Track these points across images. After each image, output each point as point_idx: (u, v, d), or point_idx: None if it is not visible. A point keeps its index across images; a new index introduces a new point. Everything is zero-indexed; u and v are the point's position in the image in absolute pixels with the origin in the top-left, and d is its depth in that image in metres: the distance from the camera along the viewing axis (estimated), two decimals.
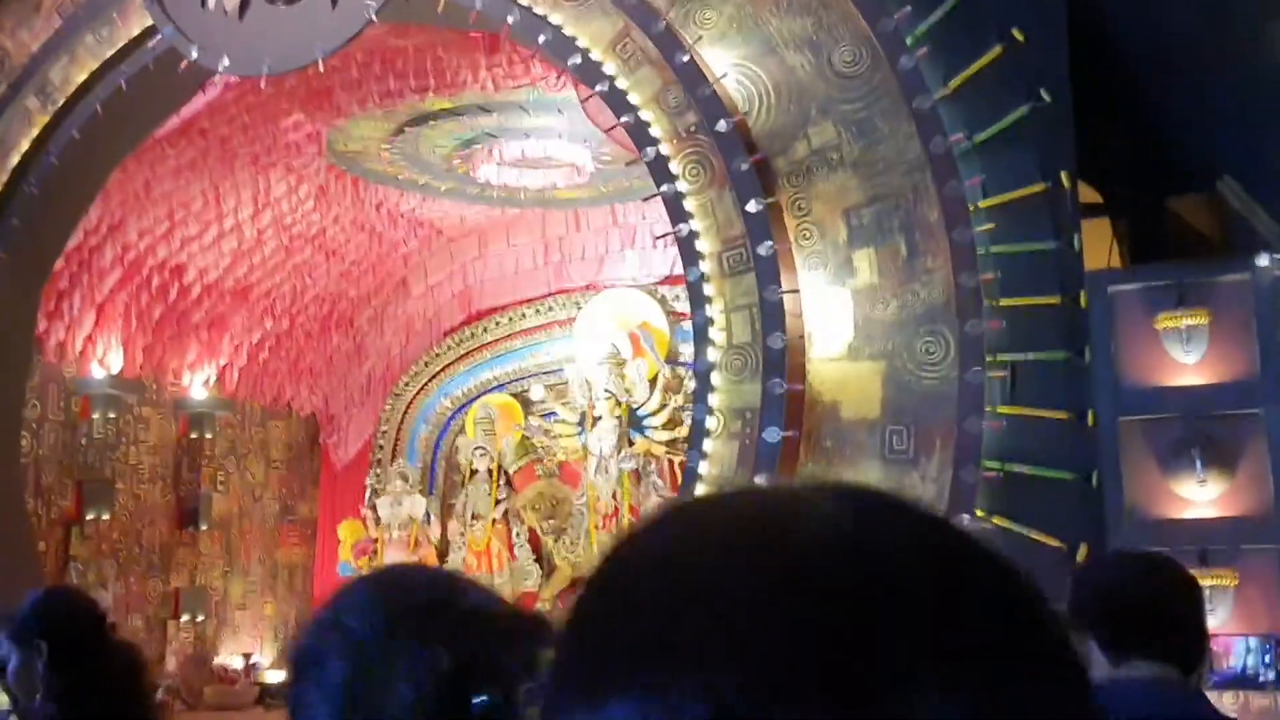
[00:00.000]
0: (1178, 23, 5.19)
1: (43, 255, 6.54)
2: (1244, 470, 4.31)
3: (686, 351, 9.41)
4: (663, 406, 9.11)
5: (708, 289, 4.90)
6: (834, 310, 4.85)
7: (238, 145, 7.35)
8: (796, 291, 4.78)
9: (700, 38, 5.13)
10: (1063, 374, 4.55)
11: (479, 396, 10.16)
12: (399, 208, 9.33)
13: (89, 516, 7.99)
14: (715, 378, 4.84)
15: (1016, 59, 4.73)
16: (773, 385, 4.68)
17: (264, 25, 5.59)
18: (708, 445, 4.81)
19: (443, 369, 10.37)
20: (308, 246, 9.03)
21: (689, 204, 4.98)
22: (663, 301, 9.55)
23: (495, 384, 10.18)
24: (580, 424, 9.32)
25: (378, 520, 9.86)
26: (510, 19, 5.35)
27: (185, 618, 8.84)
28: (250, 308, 9.23)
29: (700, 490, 4.83)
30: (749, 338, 4.82)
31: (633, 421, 9.13)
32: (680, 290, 9.51)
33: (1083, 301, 4.55)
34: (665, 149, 5.06)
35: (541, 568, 9.61)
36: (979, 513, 4.50)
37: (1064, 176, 4.63)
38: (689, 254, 4.95)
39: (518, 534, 9.66)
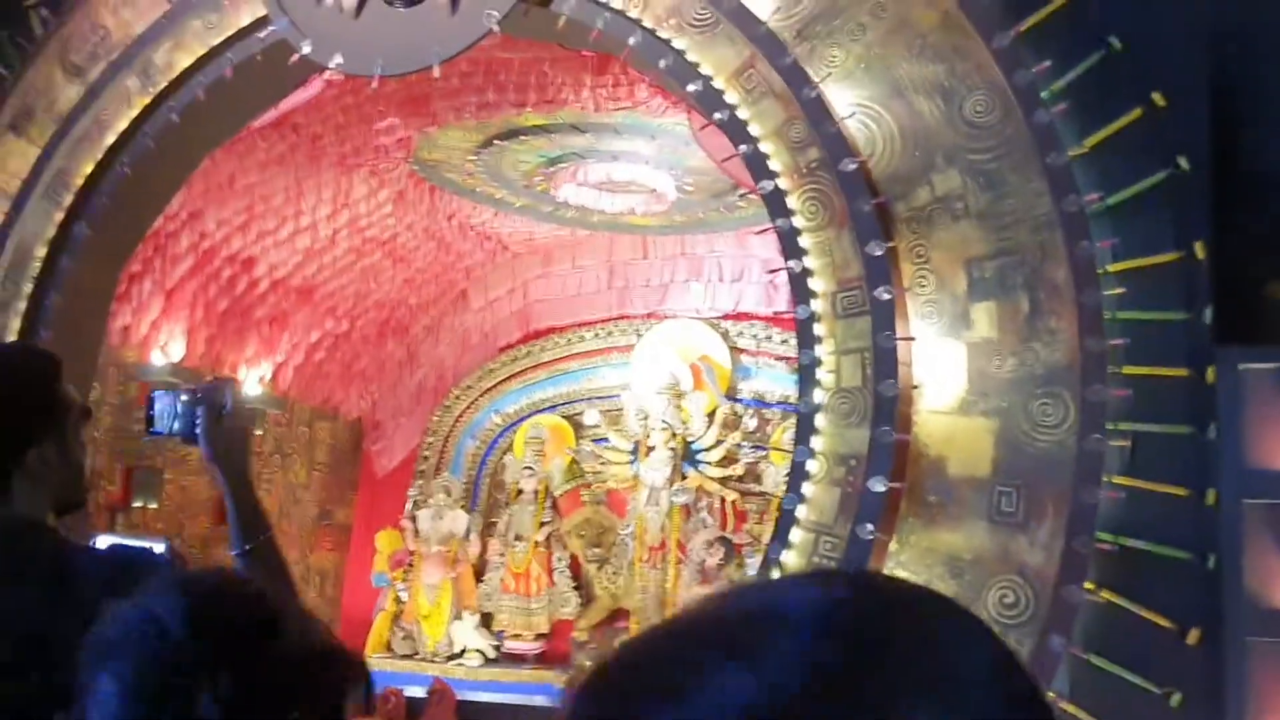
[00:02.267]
0: None
1: (127, 237, 6.47)
2: None
3: (746, 388, 9.33)
4: (719, 442, 9.00)
5: (818, 329, 4.77)
6: (947, 362, 4.72)
7: (328, 144, 7.29)
8: (912, 339, 4.65)
9: (827, 75, 5.04)
10: (1185, 450, 4.40)
11: (530, 416, 10.06)
12: (469, 220, 9.27)
13: (135, 504, 7.88)
14: (820, 420, 4.71)
15: (1155, 123, 4.62)
16: (882, 433, 4.55)
17: (380, 25, 5.52)
18: (807, 489, 4.67)
19: (495, 385, 10.28)
20: (377, 251, 8.96)
21: (805, 240, 4.87)
22: (725, 336, 9.45)
23: (547, 405, 10.08)
24: (633, 453, 9.21)
25: (416, 533, 9.75)
26: (632, 40, 5.27)
27: None
28: (314, 307, 9.16)
29: (796, 535, 4.69)
30: (859, 382, 4.69)
31: (686, 455, 9.01)
32: (744, 326, 9.45)
33: (1210, 376, 4.41)
34: (784, 183, 4.95)
35: (580, 596, 9.46)
36: (1089, 585, 4.35)
37: (1198, 247, 4.51)
38: (801, 291, 4.84)
39: (559, 559, 9.53)
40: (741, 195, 8.33)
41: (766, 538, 8.86)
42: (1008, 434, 4.59)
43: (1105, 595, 4.35)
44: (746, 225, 9.05)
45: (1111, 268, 4.58)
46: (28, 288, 6.18)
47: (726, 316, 9.54)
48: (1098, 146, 4.66)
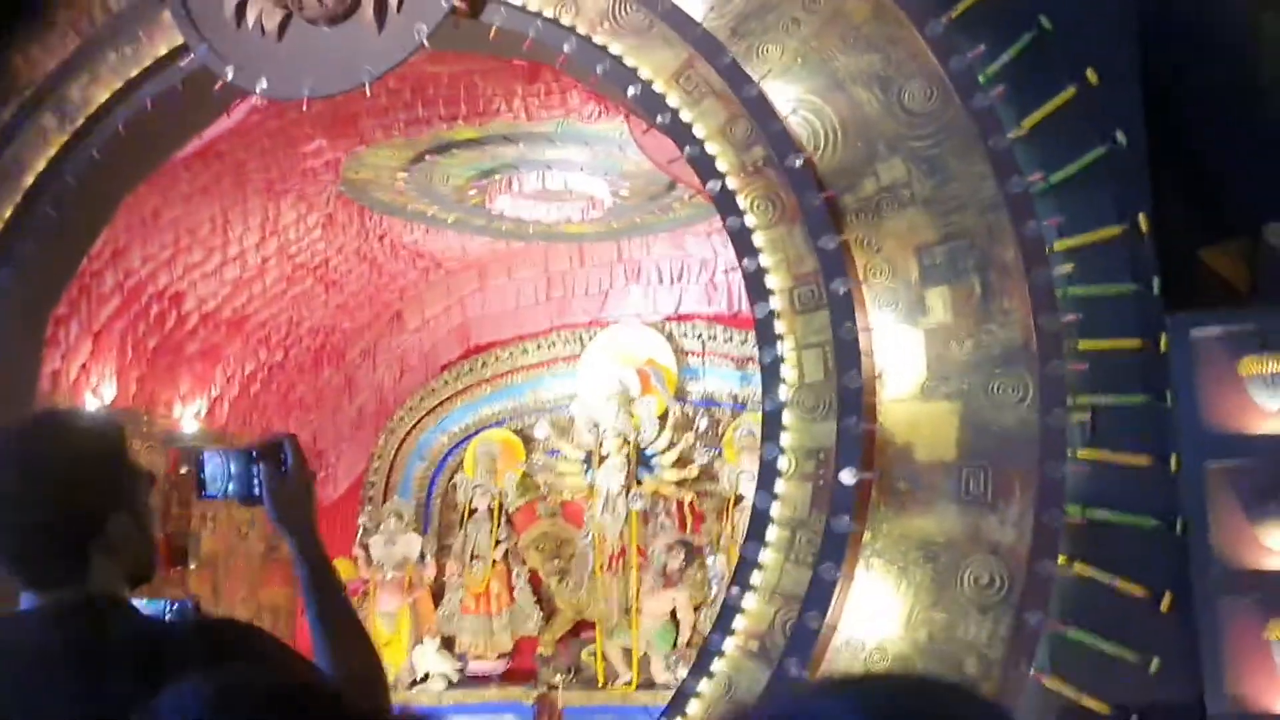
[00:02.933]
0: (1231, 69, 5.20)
1: (54, 280, 6.27)
2: None
3: (695, 389, 9.32)
4: (671, 445, 8.97)
5: (778, 326, 4.76)
6: (906, 349, 4.74)
7: (253, 171, 7.13)
8: (870, 330, 4.66)
9: (766, 72, 5.03)
10: (1144, 419, 4.47)
11: (477, 433, 9.94)
12: (401, 239, 9.13)
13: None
14: (786, 416, 4.70)
15: (1091, 101, 4.69)
16: (849, 425, 4.55)
17: (304, 46, 5.41)
18: (779, 486, 4.66)
19: (439, 404, 10.15)
20: (309, 277, 8.79)
21: (757, 239, 4.86)
22: (670, 338, 9.43)
23: (494, 420, 9.97)
24: (586, 462, 9.15)
25: (369, 560, 9.58)
26: (566, 47, 5.22)
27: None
28: (246, 338, 8.96)
29: (772, 533, 4.67)
30: (822, 376, 4.69)
31: (640, 460, 8.97)
32: (688, 327, 9.44)
33: (1163, 345, 4.48)
34: (732, 182, 4.94)
35: (541, 610, 9.37)
36: (1061, 559, 4.40)
37: (1141, 219, 4.58)
38: (757, 290, 4.83)
39: (518, 575, 9.43)
40: (677, 197, 8.32)
41: (725, 536, 8.88)
42: (971, 415, 4.63)
43: (1078, 568, 4.40)
44: (683, 226, 9.05)
45: (1059, 245, 4.64)
46: None
47: (669, 319, 9.52)
48: (1036, 127, 4.72)
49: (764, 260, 4.85)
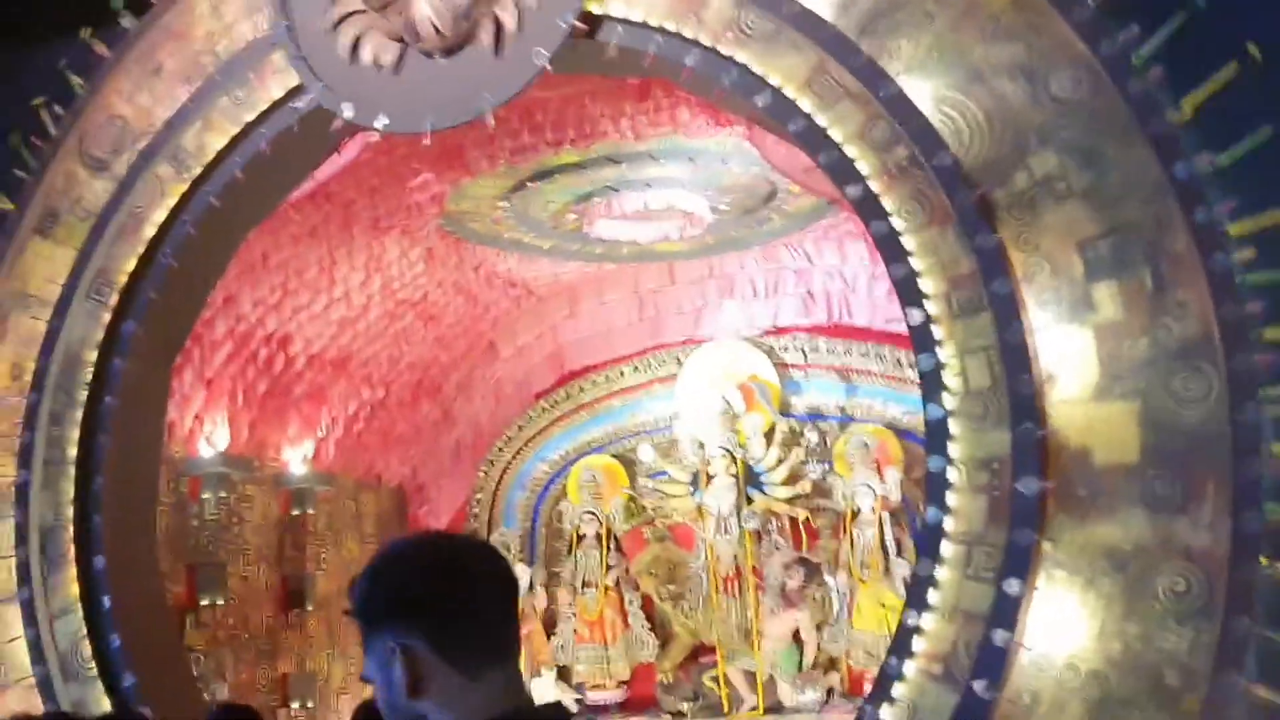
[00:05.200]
0: None
1: (177, 329, 6.23)
2: None
3: (800, 403, 9.13)
4: (780, 461, 8.79)
5: (936, 331, 4.57)
6: (1074, 349, 4.53)
7: (361, 209, 7.08)
8: (1048, 329, 4.45)
9: (900, 70, 4.86)
10: None
11: (577, 459, 9.82)
12: (495, 268, 9.06)
13: (203, 602, 7.59)
14: (952, 426, 4.50)
15: (1255, 76, 4.47)
16: (1024, 431, 4.34)
17: (422, 79, 5.32)
18: (951, 499, 4.46)
19: (538, 433, 10.05)
20: (409, 312, 8.74)
21: (907, 242, 4.68)
22: (770, 353, 9.26)
23: (594, 446, 9.85)
24: (693, 483, 8.99)
25: None
26: (690, 61, 5.08)
27: (295, 705, 8.41)
28: (349, 377, 8.92)
29: (947, 549, 4.48)
30: (989, 382, 4.49)
31: (749, 478, 8.80)
32: (788, 341, 9.26)
33: None
34: (875, 185, 4.76)
35: (657, 636, 9.21)
36: (1263, 560, 4.16)
37: None
38: (910, 295, 4.64)
39: (630, 601, 9.27)
40: (775, 209, 8.16)
41: (842, 554, 8.67)
42: (1151, 415, 4.40)
43: None
44: (775, 238, 8.89)
45: (1233, 230, 4.41)
46: (81, 394, 5.92)
47: (767, 333, 9.35)
48: (1199, 108, 4.50)
49: (915, 264, 4.67)
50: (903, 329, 8.84)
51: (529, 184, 7.27)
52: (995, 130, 4.76)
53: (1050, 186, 4.64)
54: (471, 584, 1.63)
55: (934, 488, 4.53)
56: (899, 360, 8.96)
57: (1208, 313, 4.36)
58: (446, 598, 1.60)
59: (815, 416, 9.07)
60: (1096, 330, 4.52)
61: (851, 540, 8.51)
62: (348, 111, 5.40)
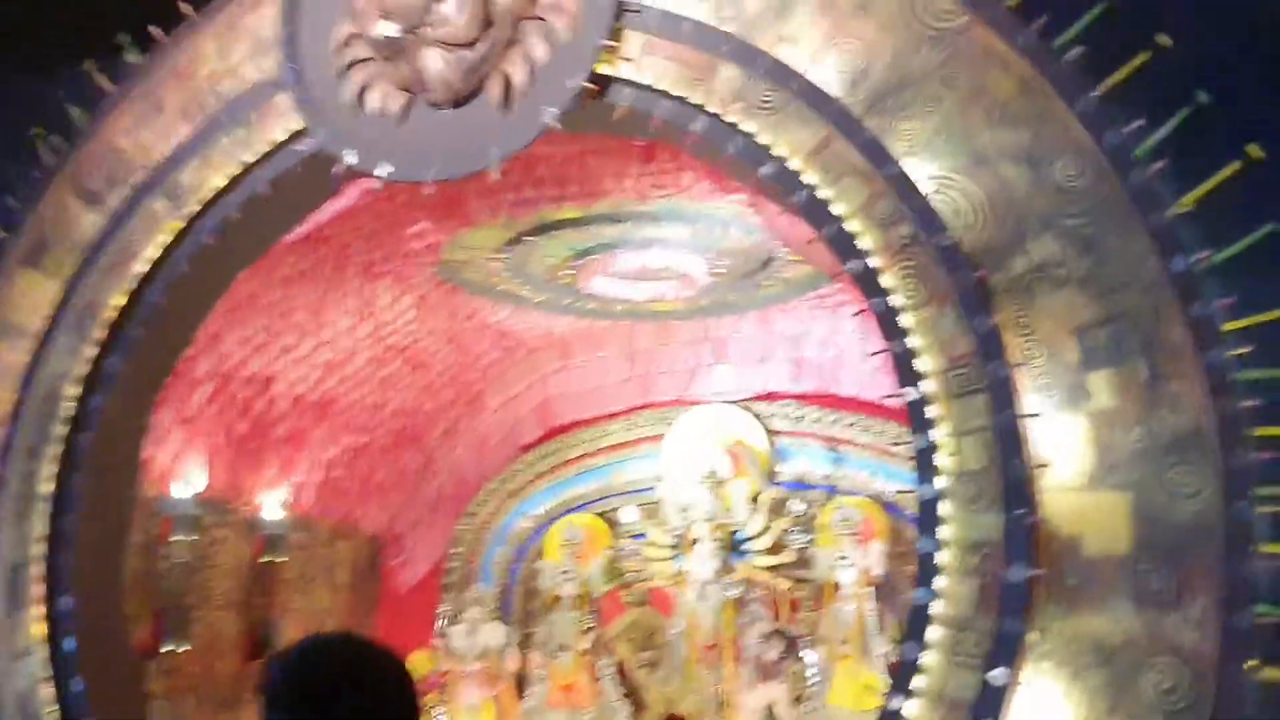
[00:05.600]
0: None
1: (160, 367, 6.17)
2: None
3: (786, 470, 9.08)
4: (765, 529, 8.71)
5: (931, 411, 4.54)
6: (1068, 436, 4.50)
7: (355, 253, 7.05)
8: (1038, 415, 4.42)
9: (906, 150, 4.87)
10: None
11: (560, 516, 9.71)
12: (487, 319, 9.02)
13: (167, 648, 7.43)
14: (945, 507, 4.46)
15: (1256, 173, 4.50)
16: (1017, 517, 4.30)
17: (429, 129, 5.32)
18: (940, 582, 4.40)
19: (521, 487, 9.95)
20: (397, 358, 8.68)
21: (905, 319, 4.67)
22: (759, 418, 9.21)
23: (578, 503, 9.75)
24: (675, 547, 8.90)
25: (450, 651, 9.31)
26: (697, 127, 5.09)
27: None
28: (331, 422, 8.82)
29: (934, 633, 4.41)
30: (983, 464, 4.45)
31: (732, 545, 8.71)
32: (777, 408, 9.22)
33: None
34: (876, 261, 4.76)
35: (630, 704, 9.05)
36: (1253, 663, 4.10)
37: None
38: (906, 372, 4.62)
39: (605, 666, 9.12)
40: (771, 274, 8.16)
41: (822, 627, 8.56)
42: (1144, 507, 4.36)
43: (1271, 672, 4.10)
44: (770, 304, 8.89)
45: (1229, 326, 4.41)
46: (58, 429, 5.83)
47: (758, 397, 9.31)
48: (1200, 202, 4.52)
49: (913, 342, 4.65)
50: (891, 402, 8.91)
51: (527, 237, 7.26)
52: (997, 214, 4.77)
53: (1049, 272, 4.64)
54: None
55: (924, 570, 4.47)
56: (885, 432, 8.93)
57: (1202, 407, 4.34)
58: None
59: (801, 485, 9.01)
60: (1091, 418, 4.50)
61: (832, 614, 8.41)
62: (351, 158, 5.38)
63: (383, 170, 5.33)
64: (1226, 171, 4.51)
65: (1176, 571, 4.26)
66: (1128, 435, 4.43)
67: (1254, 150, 4.51)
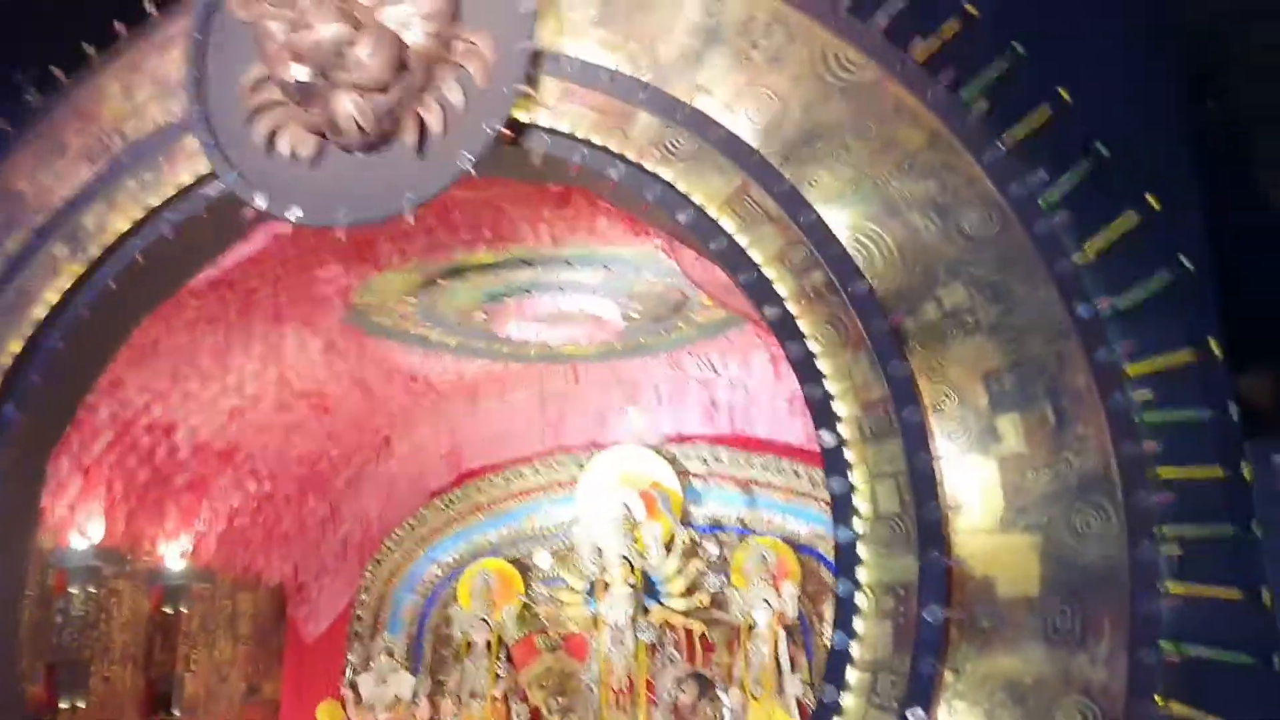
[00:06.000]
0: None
1: (59, 415, 5.95)
2: None
3: (699, 513, 9.10)
4: (679, 572, 8.72)
5: (848, 455, 4.60)
6: (979, 479, 4.59)
7: (262, 298, 6.91)
8: (951, 458, 4.51)
9: (817, 197, 4.96)
10: (1232, 549, 4.34)
11: (471, 562, 9.59)
12: (397, 363, 8.91)
13: (62, 705, 7.13)
14: (861, 550, 4.51)
15: (1154, 223, 4.66)
16: (932, 560, 4.37)
17: (340, 173, 5.25)
18: (858, 625, 4.44)
19: (430, 533, 9.81)
20: (303, 404, 8.52)
21: (821, 365, 4.73)
22: (673, 461, 9.23)
23: (489, 549, 9.65)
24: (589, 592, 8.85)
25: (359, 700, 9.11)
26: (614, 174, 5.12)
27: None
28: (234, 469, 8.61)
29: (852, 676, 4.44)
30: (897, 508, 4.52)
31: (647, 588, 8.69)
32: (690, 450, 9.26)
33: (1247, 473, 4.38)
34: (792, 308, 4.82)
35: None
36: (1158, 700, 4.21)
37: (1213, 344, 4.52)
38: (824, 417, 4.67)
39: (518, 714, 9.00)
40: (683, 317, 8.22)
41: (736, 669, 8.58)
42: (1053, 548, 4.46)
43: (1175, 708, 4.21)
44: (681, 347, 8.94)
45: (1131, 370, 4.56)
46: None
47: (669, 440, 9.34)
48: (1101, 251, 4.68)
49: (830, 387, 4.71)
50: (802, 442, 9.01)
51: (440, 281, 7.20)
52: (907, 262, 4.87)
53: (959, 319, 4.75)
54: None
55: (841, 613, 4.50)
56: (798, 473, 9.02)
57: (1107, 449, 4.47)
58: None
59: (715, 528, 9.04)
60: (1001, 462, 4.59)
61: (746, 656, 8.43)
62: (261, 201, 5.29)
63: (293, 214, 5.25)
64: (1125, 221, 4.68)
65: (1084, 611, 4.36)
66: (1036, 478, 4.54)
67: (1152, 200, 4.69)
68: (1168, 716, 4.20)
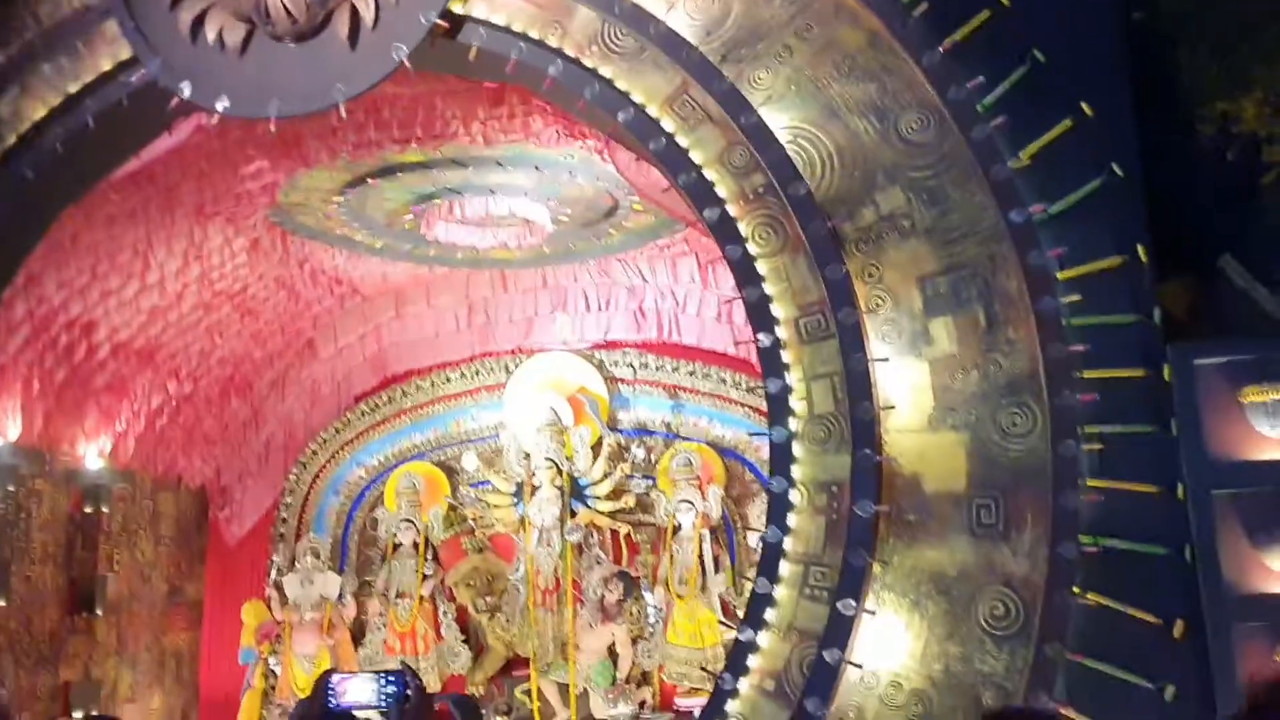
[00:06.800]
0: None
1: None
2: None
3: (627, 418, 9.18)
4: (606, 475, 8.80)
5: (785, 356, 4.68)
6: (911, 380, 4.70)
7: (186, 194, 6.71)
8: (885, 360, 4.61)
9: (764, 100, 4.96)
10: (1150, 447, 4.52)
11: (397, 465, 9.57)
12: (322, 265, 8.76)
13: None
14: (796, 449, 4.61)
15: (1087, 131, 4.75)
16: (864, 457, 4.48)
17: (269, 64, 5.11)
18: (792, 520, 4.56)
19: (355, 436, 9.75)
20: (226, 304, 8.34)
21: (760, 267, 4.77)
22: (600, 366, 9.27)
23: (416, 452, 9.62)
24: (517, 494, 8.90)
25: (284, 601, 9.11)
26: (553, 70, 5.05)
27: (77, 715, 7.86)
28: (156, 370, 8.43)
29: (785, 568, 4.57)
30: (831, 407, 4.62)
31: (574, 491, 8.78)
32: (618, 356, 9.30)
33: (1166, 375, 4.55)
34: (732, 210, 4.84)
35: (470, 648, 9.05)
36: (1075, 590, 4.40)
37: (1140, 250, 4.65)
38: (761, 319, 4.73)
39: (445, 612, 9.09)
40: (614, 223, 8.19)
41: (661, 569, 8.74)
42: (979, 446, 4.61)
43: (1092, 597, 4.41)
44: (611, 253, 8.92)
45: (1061, 275, 4.67)
46: None
47: (597, 346, 9.36)
48: (1035, 158, 4.75)
49: (767, 289, 4.76)
50: (729, 349, 9.11)
51: (370, 180, 7.06)
52: (846, 165, 4.92)
53: (896, 223, 4.82)
54: None
55: (775, 508, 4.62)
56: (724, 380, 9.11)
57: (1035, 351, 4.60)
58: None
59: (642, 432, 9.12)
60: (932, 363, 4.71)
61: (671, 556, 8.59)
62: (186, 90, 5.12)
63: (220, 104, 5.10)
64: (1060, 128, 4.76)
65: (1008, 506, 4.53)
66: (966, 379, 4.66)
67: (1086, 107, 4.77)
68: (1084, 606, 4.42)
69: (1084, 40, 4.89)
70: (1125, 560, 4.45)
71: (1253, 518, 4.44)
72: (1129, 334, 4.62)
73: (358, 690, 2.68)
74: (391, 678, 2.68)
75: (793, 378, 4.67)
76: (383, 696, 2.65)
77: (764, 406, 4.83)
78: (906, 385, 4.71)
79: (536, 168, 6.99)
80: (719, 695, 4.53)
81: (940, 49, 4.83)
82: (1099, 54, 4.87)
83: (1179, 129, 5.04)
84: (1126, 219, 4.72)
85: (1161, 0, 5.44)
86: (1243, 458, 4.51)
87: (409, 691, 2.64)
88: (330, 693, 2.66)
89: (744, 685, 4.51)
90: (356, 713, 2.65)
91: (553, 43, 5.05)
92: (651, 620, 8.64)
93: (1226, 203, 5.47)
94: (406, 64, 4.97)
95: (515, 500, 8.85)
